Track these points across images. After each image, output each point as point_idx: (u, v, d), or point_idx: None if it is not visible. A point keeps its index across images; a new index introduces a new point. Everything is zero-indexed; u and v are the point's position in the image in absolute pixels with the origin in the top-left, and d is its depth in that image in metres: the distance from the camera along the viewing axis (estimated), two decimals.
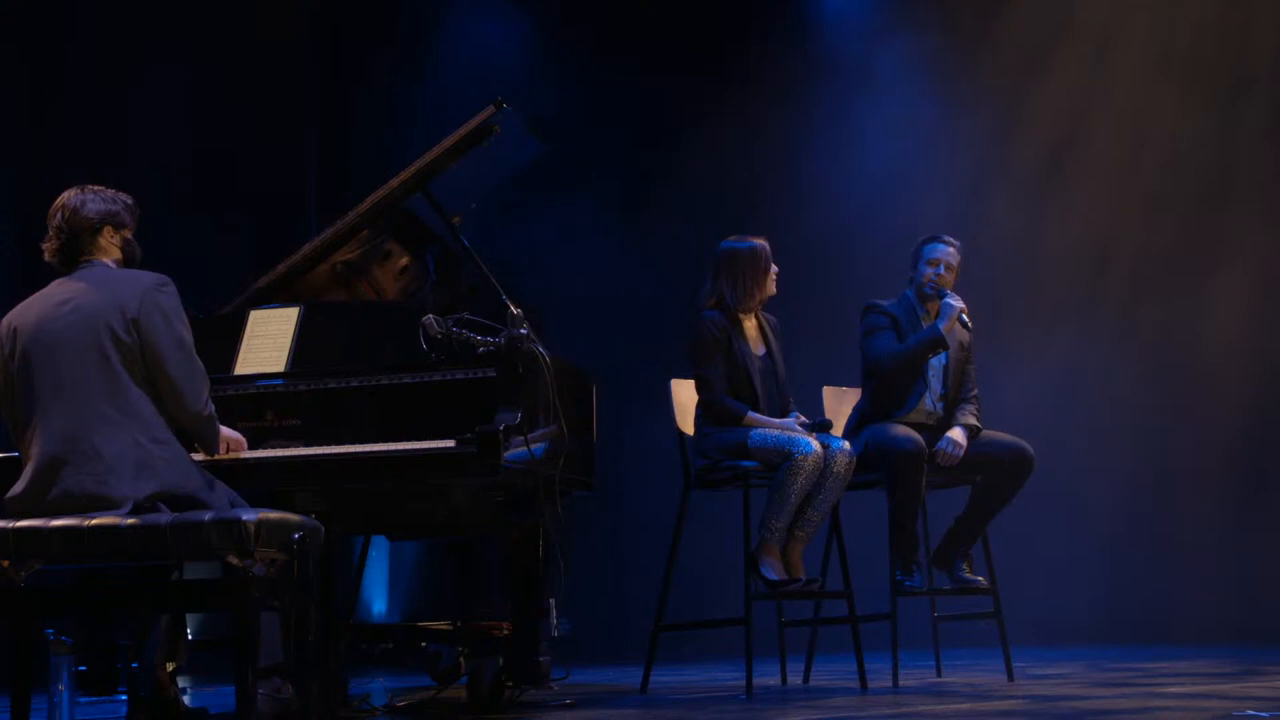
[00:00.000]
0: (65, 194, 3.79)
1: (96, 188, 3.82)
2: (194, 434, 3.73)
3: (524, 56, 9.50)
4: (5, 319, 3.72)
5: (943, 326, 5.29)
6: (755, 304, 5.28)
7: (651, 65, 9.36)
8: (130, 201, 3.86)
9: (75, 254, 3.76)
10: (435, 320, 4.14)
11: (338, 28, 9.63)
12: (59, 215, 3.76)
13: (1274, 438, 8.44)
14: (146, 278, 3.68)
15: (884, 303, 5.46)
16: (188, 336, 3.66)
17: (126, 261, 3.82)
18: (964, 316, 5.35)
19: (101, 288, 3.65)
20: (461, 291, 4.70)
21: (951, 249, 5.45)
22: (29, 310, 3.69)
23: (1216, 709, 3.82)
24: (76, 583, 3.84)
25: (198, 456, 3.85)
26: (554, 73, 9.39)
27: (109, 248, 3.78)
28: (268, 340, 4.41)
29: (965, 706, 4.25)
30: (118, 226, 3.81)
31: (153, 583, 3.82)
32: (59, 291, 3.70)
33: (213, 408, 3.72)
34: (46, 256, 3.79)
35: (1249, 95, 8.68)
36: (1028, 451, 5.27)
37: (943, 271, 5.42)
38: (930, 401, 5.40)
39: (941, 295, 5.37)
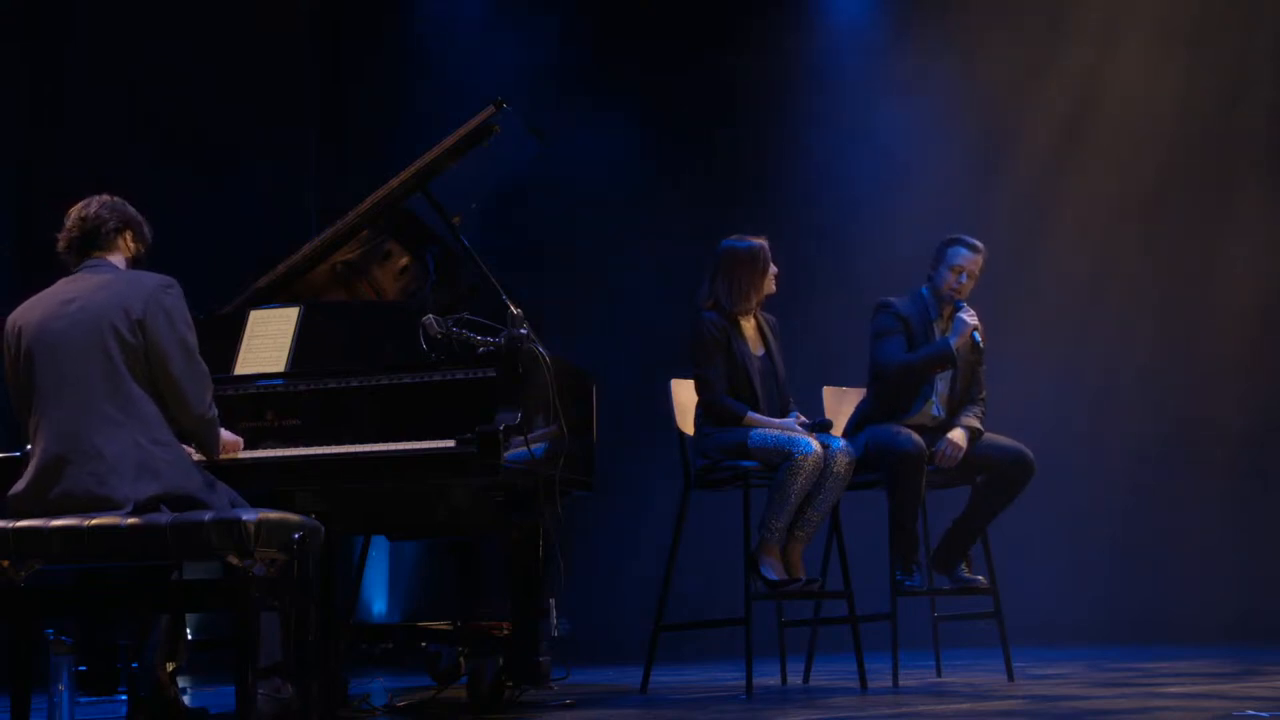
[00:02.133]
0: (90, 198, 3.83)
1: (125, 203, 3.87)
2: (195, 436, 3.74)
3: (525, 55, 9.49)
4: (10, 318, 3.73)
5: (954, 343, 5.26)
6: (753, 305, 5.28)
7: (653, 65, 9.36)
8: (150, 230, 3.91)
9: (88, 248, 3.77)
10: (435, 320, 4.14)
11: (338, 28, 9.63)
12: (85, 208, 3.79)
13: (1274, 438, 8.44)
14: (152, 279, 3.69)
15: (896, 302, 5.38)
16: (192, 339, 3.67)
17: (133, 265, 3.84)
18: (976, 334, 5.30)
19: (107, 288, 3.65)
20: (461, 291, 4.70)
21: (976, 256, 5.36)
22: (33, 309, 3.70)
23: (1216, 709, 3.82)
24: (76, 583, 3.84)
25: (197, 458, 3.86)
26: (555, 72, 9.39)
27: (123, 248, 3.81)
28: (268, 340, 4.41)
29: (965, 706, 4.25)
30: (137, 236, 3.85)
31: (153, 583, 3.82)
32: (64, 290, 3.71)
33: (215, 411, 3.72)
34: (59, 247, 3.80)
35: (1250, 96, 8.68)
36: (1028, 456, 5.26)
37: (965, 280, 5.35)
38: (936, 407, 5.38)
39: (958, 307, 5.34)
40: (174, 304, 3.65)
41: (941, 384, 5.38)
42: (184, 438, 3.70)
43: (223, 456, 3.93)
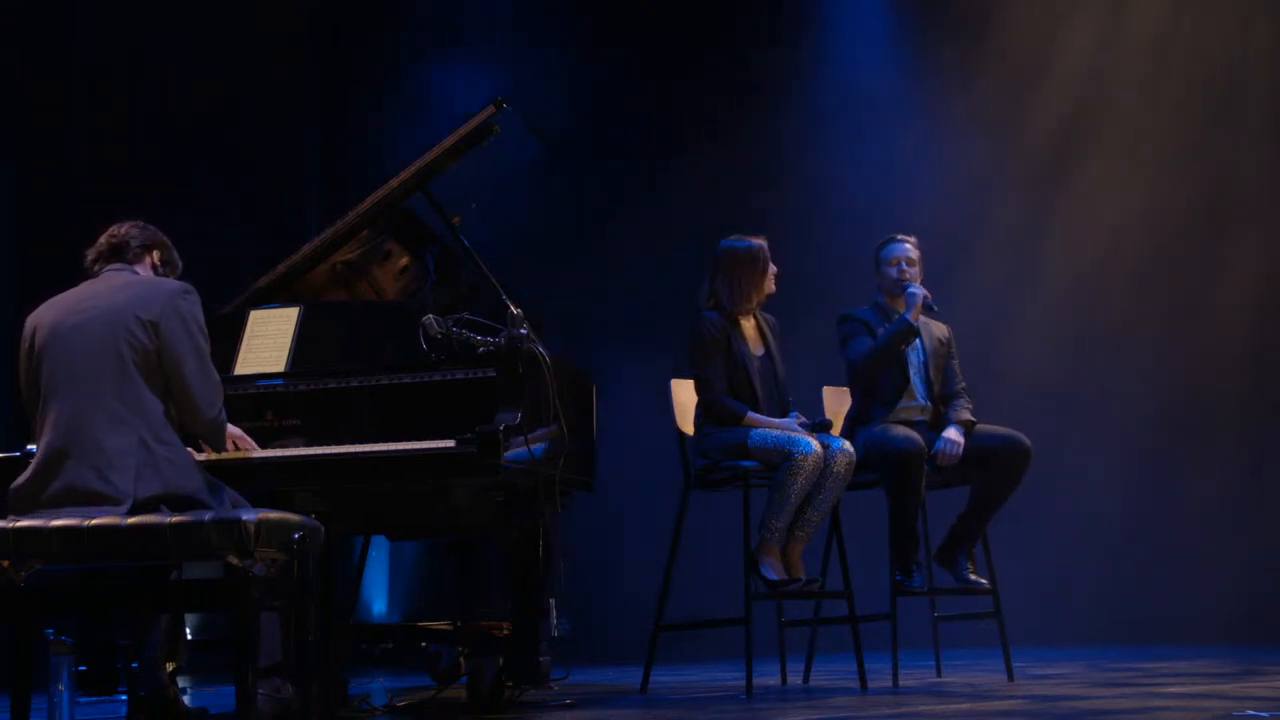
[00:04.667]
0: (129, 220, 3.92)
1: (157, 229, 3.97)
2: (203, 439, 3.79)
3: (526, 55, 9.50)
4: (30, 317, 3.77)
5: (910, 316, 5.33)
6: (753, 305, 5.28)
7: (655, 64, 9.37)
8: (180, 264, 3.99)
9: (113, 260, 3.83)
10: (435, 320, 4.14)
11: (338, 28, 9.63)
12: (117, 228, 3.88)
13: (1275, 437, 8.43)
14: (170, 283, 3.74)
15: (855, 311, 5.51)
16: (205, 345, 3.70)
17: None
18: (928, 300, 5.38)
19: (124, 290, 3.69)
20: (461, 291, 4.70)
21: (908, 245, 5.52)
22: (51, 309, 3.73)
23: (1216, 709, 3.82)
24: (76, 583, 3.84)
25: (202, 456, 3.86)
26: (556, 72, 9.39)
27: (149, 263, 3.88)
28: (268, 340, 4.41)
29: (965, 706, 4.25)
30: (164, 258, 3.93)
31: (153, 583, 3.83)
32: (83, 291, 3.75)
33: (224, 416, 3.76)
34: (88, 261, 3.86)
35: (1252, 89, 8.68)
36: (1024, 443, 5.27)
37: (905, 268, 5.47)
38: (920, 395, 5.41)
39: (905, 288, 5.40)
40: (190, 309, 3.68)
41: (918, 378, 5.43)
42: (189, 440, 3.72)
43: (236, 453, 3.94)
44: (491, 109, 4.51)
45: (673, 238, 8.76)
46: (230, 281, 4.80)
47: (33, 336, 3.70)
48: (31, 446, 3.88)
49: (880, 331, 5.38)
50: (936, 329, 5.54)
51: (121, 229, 3.87)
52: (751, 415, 5.07)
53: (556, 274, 8.83)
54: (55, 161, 8.07)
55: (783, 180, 9.25)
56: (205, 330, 3.71)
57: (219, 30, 8.56)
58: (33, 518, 3.52)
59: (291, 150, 9.18)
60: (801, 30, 9.56)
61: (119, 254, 3.83)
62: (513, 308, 4.26)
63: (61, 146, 8.11)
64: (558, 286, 8.63)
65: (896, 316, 5.42)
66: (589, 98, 9.38)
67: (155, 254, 3.89)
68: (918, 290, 5.36)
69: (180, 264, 3.97)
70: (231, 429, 3.94)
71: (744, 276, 5.22)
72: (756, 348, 5.26)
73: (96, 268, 3.83)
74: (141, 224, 3.91)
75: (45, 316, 3.72)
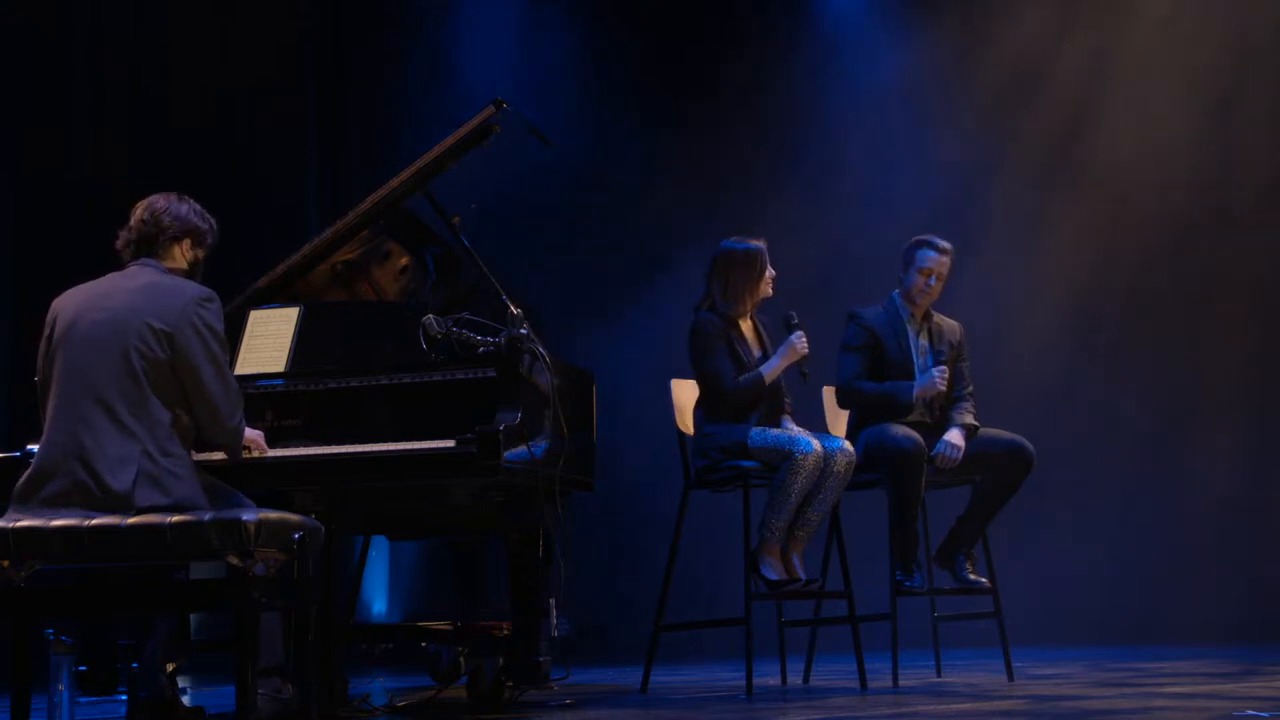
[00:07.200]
0: (158, 195, 3.83)
1: (191, 200, 3.86)
2: (223, 447, 3.76)
3: (525, 55, 9.50)
4: (55, 301, 3.72)
5: (916, 393, 5.28)
6: (748, 308, 5.27)
7: (654, 62, 9.36)
8: (215, 227, 3.90)
9: (141, 253, 3.77)
10: (435, 320, 4.14)
11: (338, 28, 9.64)
12: (146, 211, 3.79)
13: (1276, 436, 8.43)
14: (191, 291, 3.67)
15: (866, 312, 5.42)
16: (223, 354, 3.66)
17: (190, 271, 3.83)
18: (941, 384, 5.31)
19: (144, 292, 3.63)
20: (461, 291, 4.70)
21: (944, 258, 5.39)
22: (74, 298, 3.69)
23: (1216, 709, 3.82)
24: (76, 583, 3.83)
25: (201, 456, 3.86)
26: (555, 71, 9.39)
27: (179, 257, 3.81)
28: (268, 340, 4.41)
29: (965, 706, 4.25)
30: (196, 243, 3.85)
31: (153, 583, 3.82)
32: (106, 286, 3.69)
33: (244, 422, 3.74)
34: (118, 245, 3.80)
35: (1252, 86, 8.68)
36: (1027, 449, 5.27)
37: (934, 283, 5.38)
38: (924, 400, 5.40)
39: (928, 368, 5.32)
40: (208, 318, 3.63)
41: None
42: (204, 446, 3.71)
43: (248, 456, 3.94)
44: (491, 109, 4.52)
45: (673, 236, 8.77)
46: (230, 281, 4.80)
47: (53, 325, 3.67)
48: (32, 446, 3.88)
49: (887, 341, 5.33)
50: (949, 331, 5.46)
51: (155, 209, 3.78)
52: (764, 370, 5.09)
53: (556, 273, 8.83)
54: (55, 162, 8.06)
55: (783, 180, 9.25)
56: (223, 338, 3.66)
57: (219, 30, 8.56)
58: (33, 517, 3.51)
59: (291, 150, 9.18)
60: (802, 27, 9.56)
61: (147, 247, 3.76)
62: (513, 308, 4.26)
63: (62, 147, 8.11)
64: (558, 285, 8.64)
65: (910, 320, 5.39)
66: (589, 96, 9.38)
67: (186, 243, 3.81)
68: (937, 378, 5.25)
69: (212, 241, 3.87)
70: (248, 432, 3.91)
71: (739, 278, 5.21)
72: (755, 349, 5.26)
73: (127, 254, 3.77)
74: (175, 205, 3.80)
75: (67, 307, 3.67)
